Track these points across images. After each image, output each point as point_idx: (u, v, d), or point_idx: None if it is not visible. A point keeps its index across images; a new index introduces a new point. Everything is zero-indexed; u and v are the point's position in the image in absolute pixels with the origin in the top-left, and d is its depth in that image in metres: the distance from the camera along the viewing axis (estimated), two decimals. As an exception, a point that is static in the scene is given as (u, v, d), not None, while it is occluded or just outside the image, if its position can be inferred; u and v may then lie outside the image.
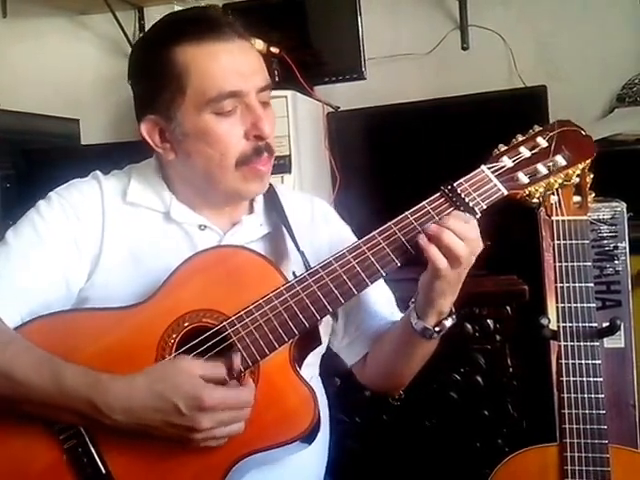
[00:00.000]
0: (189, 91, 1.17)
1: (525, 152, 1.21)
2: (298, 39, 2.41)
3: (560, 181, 1.21)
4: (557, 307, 1.47)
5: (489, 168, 1.20)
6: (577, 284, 1.45)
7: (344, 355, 1.38)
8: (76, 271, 1.21)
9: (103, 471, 1.08)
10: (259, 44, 2.01)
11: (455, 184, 1.18)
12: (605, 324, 1.46)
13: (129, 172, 1.31)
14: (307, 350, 1.20)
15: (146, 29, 2.75)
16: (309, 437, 1.12)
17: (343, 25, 2.44)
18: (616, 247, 1.85)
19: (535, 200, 1.21)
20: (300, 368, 1.16)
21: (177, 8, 2.39)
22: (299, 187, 2.03)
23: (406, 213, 1.17)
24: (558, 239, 1.46)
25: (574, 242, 1.46)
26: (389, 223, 1.17)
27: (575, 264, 1.46)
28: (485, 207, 1.18)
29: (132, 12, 2.80)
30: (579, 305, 1.45)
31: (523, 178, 1.19)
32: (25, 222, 1.23)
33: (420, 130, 2.38)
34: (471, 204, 1.17)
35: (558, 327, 1.46)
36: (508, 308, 1.92)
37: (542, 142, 1.21)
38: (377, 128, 2.42)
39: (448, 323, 1.21)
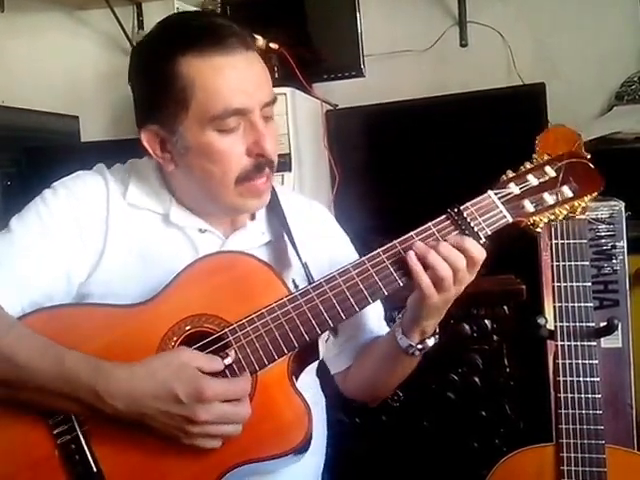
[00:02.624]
0: (193, 106, 1.15)
1: (533, 180, 1.20)
2: (297, 36, 2.39)
3: (565, 212, 1.21)
4: (554, 307, 1.47)
5: (496, 194, 1.19)
6: (575, 283, 1.46)
7: (330, 364, 1.39)
8: (78, 264, 1.21)
9: (94, 469, 1.08)
10: (258, 41, 2.00)
11: (462, 207, 1.18)
12: (602, 324, 1.47)
13: (130, 170, 1.29)
14: (305, 363, 1.20)
15: (145, 25, 2.74)
16: (300, 451, 1.12)
17: (342, 22, 2.42)
18: (614, 246, 1.85)
19: (539, 230, 1.21)
20: (297, 380, 1.16)
21: (176, 4, 2.37)
22: (299, 185, 2.03)
23: (411, 233, 1.17)
24: (556, 238, 1.46)
25: (572, 241, 1.46)
26: (394, 242, 1.17)
27: (573, 263, 1.46)
28: (489, 233, 1.17)
29: (130, 8, 2.79)
30: (576, 305, 1.45)
31: (529, 206, 1.19)
32: (30, 211, 1.21)
33: (419, 127, 2.37)
34: (476, 229, 1.16)
35: (555, 327, 1.46)
36: (505, 308, 1.92)
37: (550, 171, 1.21)
38: (376, 126, 2.42)
39: (431, 342, 1.24)
